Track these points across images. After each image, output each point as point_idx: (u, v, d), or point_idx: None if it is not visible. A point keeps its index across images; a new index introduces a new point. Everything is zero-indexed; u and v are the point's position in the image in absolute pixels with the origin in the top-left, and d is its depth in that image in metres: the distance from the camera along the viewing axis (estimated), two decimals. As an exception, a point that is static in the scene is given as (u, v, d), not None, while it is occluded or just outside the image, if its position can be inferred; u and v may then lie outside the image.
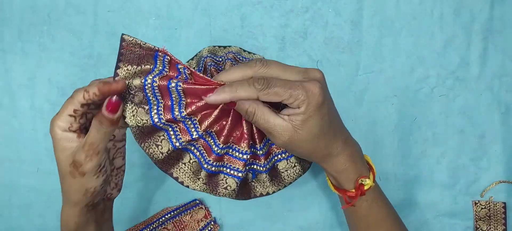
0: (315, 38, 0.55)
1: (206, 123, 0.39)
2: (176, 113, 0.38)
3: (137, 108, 0.38)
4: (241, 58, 0.51)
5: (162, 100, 0.38)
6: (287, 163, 0.45)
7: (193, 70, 0.38)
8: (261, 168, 0.44)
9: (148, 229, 0.55)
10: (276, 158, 0.45)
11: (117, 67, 0.37)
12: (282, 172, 0.45)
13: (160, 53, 0.38)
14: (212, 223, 0.55)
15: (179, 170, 0.43)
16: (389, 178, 0.56)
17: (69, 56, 0.55)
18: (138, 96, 0.38)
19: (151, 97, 0.38)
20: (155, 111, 0.38)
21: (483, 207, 0.56)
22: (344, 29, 0.55)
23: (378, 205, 0.44)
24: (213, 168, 0.42)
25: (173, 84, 0.36)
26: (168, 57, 0.38)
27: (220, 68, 0.48)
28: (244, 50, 0.54)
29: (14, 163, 0.56)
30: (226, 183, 0.43)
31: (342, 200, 0.47)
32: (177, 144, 0.40)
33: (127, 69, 0.37)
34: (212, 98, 0.36)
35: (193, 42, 0.55)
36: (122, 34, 0.37)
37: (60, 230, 0.56)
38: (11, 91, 0.55)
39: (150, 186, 0.56)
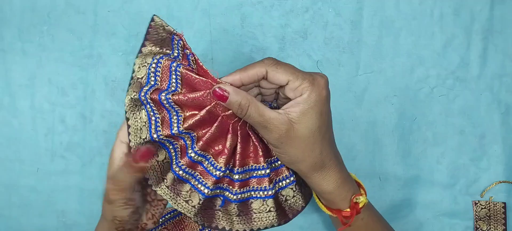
0: (315, 38, 0.55)
1: (190, 122, 0.36)
2: (163, 97, 0.36)
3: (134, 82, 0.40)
4: None
5: (159, 83, 0.38)
6: (263, 204, 0.40)
7: (197, 58, 0.37)
8: (233, 196, 0.39)
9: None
10: (252, 193, 0.40)
11: (143, 45, 0.40)
12: (254, 212, 0.40)
13: (176, 37, 0.38)
14: (212, 223, 0.55)
15: (151, 166, 0.39)
16: (389, 178, 0.56)
17: (69, 56, 0.55)
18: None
19: (151, 76, 0.38)
20: (147, 88, 0.38)
21: (483, 207, 0.56)
22: (344, 29, 0.55)
23: (373, 220, 0.43)
24: (181, 173, 0.39)
25: (175, 64, 0.37)
26: (182, 42, 0.38)
27: None
28: None
29: (14, 163, 0.56)
30: (189, 196, 0.39)
31: (335, 221, 0.45)
32: (155, 136, 0.37)
33: (150, 49, 0.40)
34: (229, 79, 0.36)
35: (193, 42, 0.55)
36: (154, 15, 0.40)
37: None
38: (11, 91, 0.55)
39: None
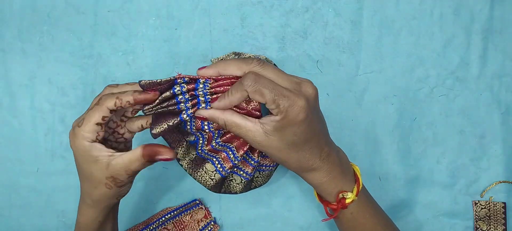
0: (315, 38, 0.55)
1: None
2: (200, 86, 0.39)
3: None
4: None
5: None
6: (241, 181, 0.47)
7: (214, 77, 0.38)
8: (244, 174, 0.47)
9: (148, 229, 0.55)
10: (237, 171, 0.47)
11: (144, 111, 0.40)
12: (231, 181, 0.48)
13: (179, 80, 0.38)
14: (212, 223, 0.55)
15: (179, 144, 0.46)
16: (389, 178, 0.56)
17: (69, 56, 0.55)
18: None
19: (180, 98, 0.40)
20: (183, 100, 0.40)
21: (483, 207, 0.56)
22: (344, 29, 0.55)
23: (365, 216, 0.43)
24: (204, 154, 0.45)
25: (200, 85, 0.38)
26: (188, 78, 0.38)
27: None
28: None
29: (14, 163, 0.56)
30: (206, 167, 0.46)
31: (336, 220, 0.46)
32: (188, 128, 0.42)
33: (152, 106, 0.39)
34: (215, 106, 0.38)
35: (193, 42, 0.55)
36: (139, 81, 0.38)
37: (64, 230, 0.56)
38: (11, 91, 0.55)
39: (150, 186, 0.56)
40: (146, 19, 0.55)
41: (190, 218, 0.55)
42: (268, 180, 0.51)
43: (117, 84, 0.40)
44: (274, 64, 0.55)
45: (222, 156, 0.44)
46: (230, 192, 0.49)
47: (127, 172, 0.38)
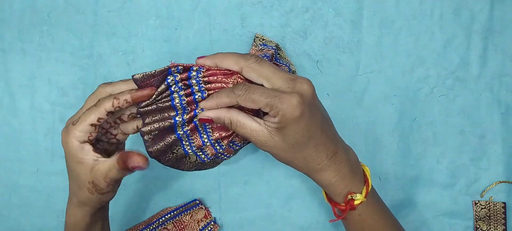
0: (315, 38, 0.55)
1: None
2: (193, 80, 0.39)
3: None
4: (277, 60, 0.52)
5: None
6: (196, 160, 0.45)
7: (206, 67, 0.39)
8: (203, 156, 0.45)
9: (148, 229, 0.55)
10: (198, 153, 0.45)
11: (140, 107, 0.39)
12: (186, 159, 0.46)
13: (173, 69, 0.38)
14: (212, 223, 0.55)
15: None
16: (389, 178, 0.56)
17: (69, 56, 0.55)
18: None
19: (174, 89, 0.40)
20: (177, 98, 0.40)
21: (483, 207, 0.56)
22: (344, 29, 0.55)
23: (373, 218, 0.43)
24: (182, 134, 0.42)
25: (193, 73, 0.39)
26: (181, 67, 0.38)
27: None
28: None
29: (14, 163, 0.56)
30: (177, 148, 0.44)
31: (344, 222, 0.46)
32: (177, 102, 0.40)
33: (148, 103, 0.39)
34: (202, 104, 0.39)
35: (193, 42, 0.55)
36: (132, 76, 0.38)
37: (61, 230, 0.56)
38: (11, 91, 0.55)
39: (150, 186, 0.56)
40: (146, 19, 0.55)
41: (190, 218, 0.55)
42: (216, 166, 0.50)
43: (111, 82, 0.40)
44: (291, 68, 0.54)
45: (194, 135, 0.43)
46: (178, 168, 0.46)
47: (105, 180, 0.37)
